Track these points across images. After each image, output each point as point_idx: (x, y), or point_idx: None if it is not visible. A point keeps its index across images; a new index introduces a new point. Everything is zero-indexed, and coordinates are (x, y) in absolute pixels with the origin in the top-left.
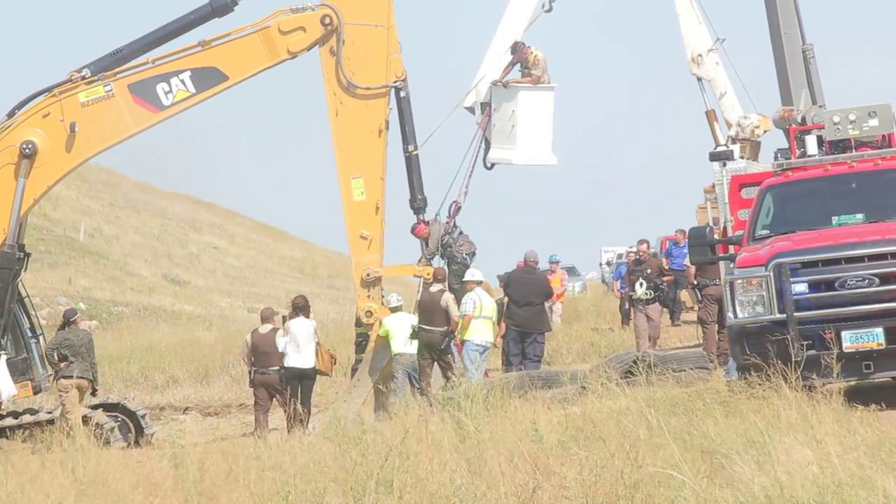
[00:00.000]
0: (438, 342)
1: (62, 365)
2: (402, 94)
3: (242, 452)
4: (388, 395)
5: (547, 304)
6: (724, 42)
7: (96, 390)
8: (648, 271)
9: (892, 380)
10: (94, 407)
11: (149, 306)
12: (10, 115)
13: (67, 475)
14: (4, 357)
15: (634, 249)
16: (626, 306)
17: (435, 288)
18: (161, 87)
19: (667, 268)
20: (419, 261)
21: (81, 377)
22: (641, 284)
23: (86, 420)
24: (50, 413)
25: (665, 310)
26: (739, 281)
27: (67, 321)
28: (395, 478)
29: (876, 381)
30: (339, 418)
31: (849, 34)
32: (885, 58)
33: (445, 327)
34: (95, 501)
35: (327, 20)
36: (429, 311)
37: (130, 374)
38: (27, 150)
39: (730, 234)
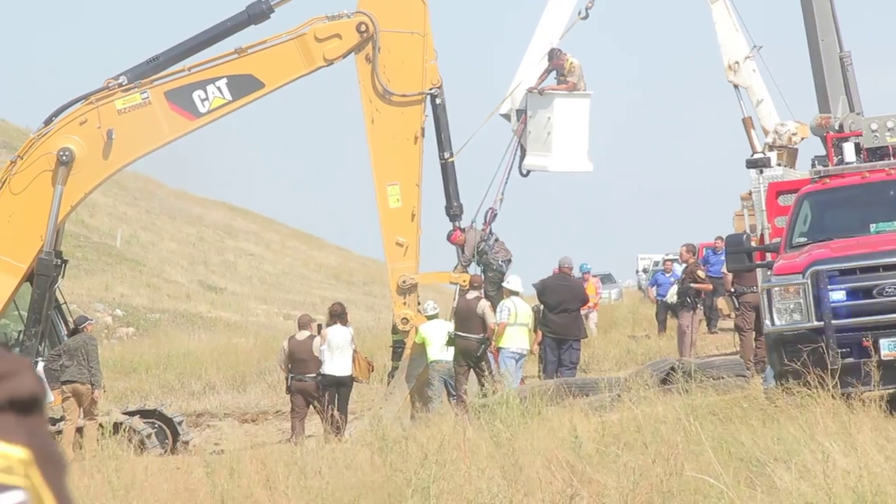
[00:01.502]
0: (475, 349)
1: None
2: (438, 101)
3: (280, 459)
4: (425, 402)
5: (583, 312)
6: (760, 49)
7: (95, 398)
8: (682, 277)
9: None
10: (131, 413)
11: (185, 313)
12: (48, 122)
13: (104, 482)
14: (42, 363)
15: (671, 257)
16: (663, 314)
17: (471, 295)
18: (197, 95)
19: (701, 275)
20: (455, 268)
21: (73, 381)
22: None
23: (117, 427)
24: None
25: (703, 317)
26: (777, 288)
27: (76, 328)
28: (431, 485)
29: None
30: (375, 425)
31: (886, 42)
32: None
33: (482, 334)
34: (145, 501)
35: (363, 27)
36: (465, 318)
37: (167, 380)
38: (64, 158)
39: (767, 241)
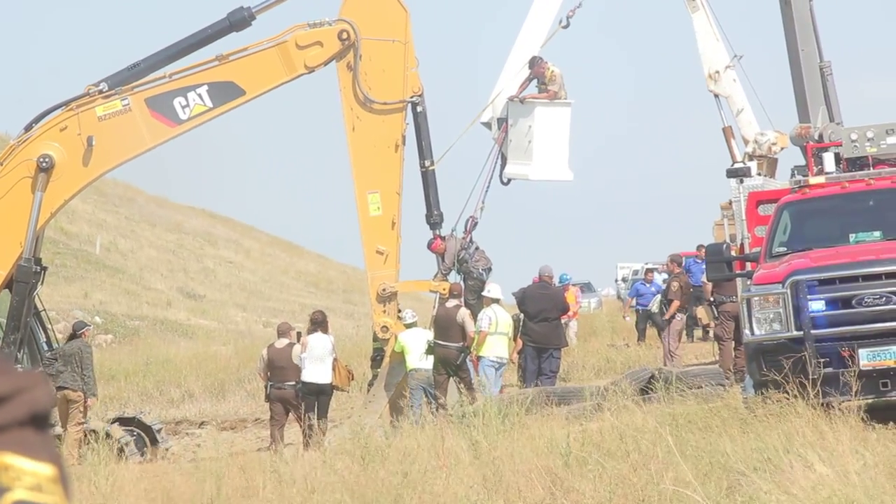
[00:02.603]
0: (454, 358)
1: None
2: (419, 109)
3: (259, 467)
4: (404, 410)
5: (563, 321)
6: (741, 59)
7: (87, 404)
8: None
9: None
10: (111, 421)
11: (164, 320)
12: (28, 128)
13: (90, 488)
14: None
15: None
16: (642, 323)
17: (451, 303)
18: (178, 102)
19: (673, 287)
20: (435, 276)
21: (65, 387)
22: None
23: (96, 434)
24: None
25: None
26: (756, 298)
27: (74, 333)
28: (410, 493)
29: (894, 399)
30: (355, 434)
31: (866, 52)
32: None
33: (461, 343)
34: None
35: (344, 35)
36: (445, 326)
37: (146, 388)
38: (44, 164)
39: (747, 250)
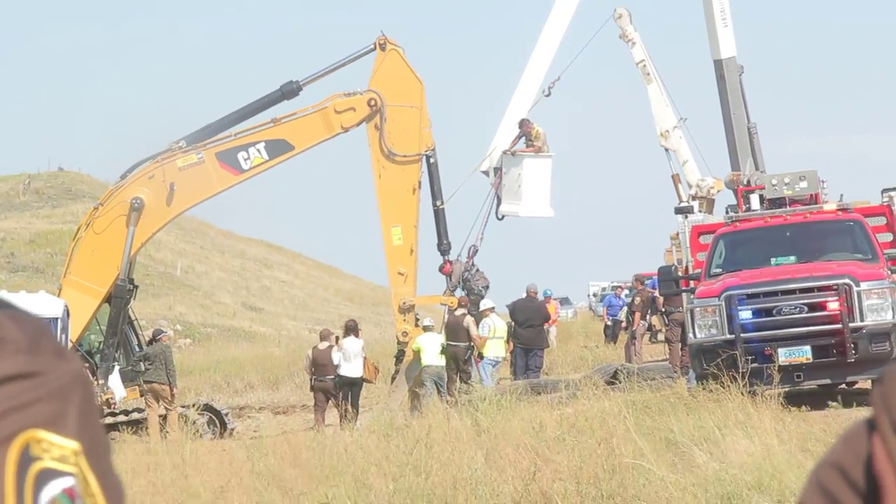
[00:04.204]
0: (462, 354)
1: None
2: (432, 160)
3: (304, 443)
4: (420, 398)
5: (546, 327)
6: (686, 121)
7: (174, 393)
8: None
9: (818, 387)
10: (188, 407)
11: (231, 328)
12: (123, 176)
13: (176, 458)
14: (118, 367)
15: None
16: (611, 329)
17: (459, 312)
18: (241, 155)
19: (636, 302)
20: (444, 292)
21: (154, 382)
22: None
23: (182, 418)
24: (142, 412)
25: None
26: (698, 309)
27: (154, 338)
28: (423, 462)
29: (805, 388)
30: (381, 416)
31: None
32: (814, 133)
33: (467, 342)
34: (201, 474)
35: (373, 102)
36: (454, 330)
37: (216, 381)
38: (136, 205)
39: (691, 271)
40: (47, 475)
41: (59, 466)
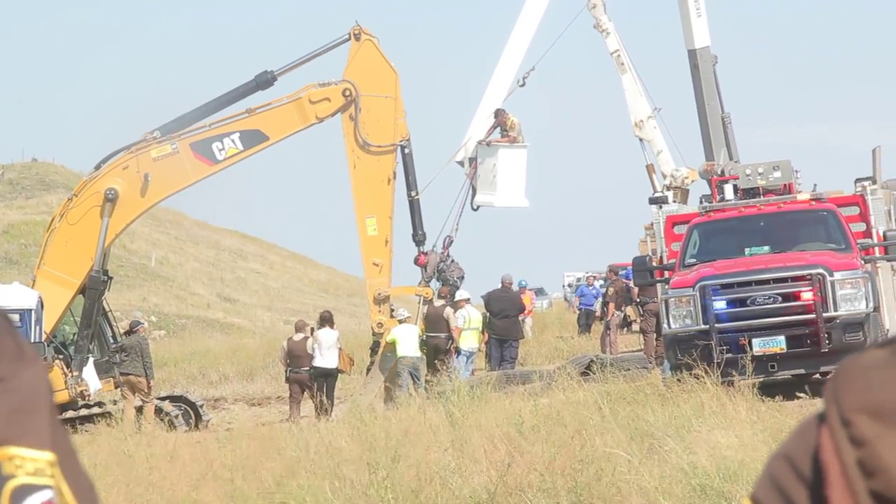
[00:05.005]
0: (443, 345)
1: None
2: (406, 150)
3: (279, 435)
4: (395, 389)
5: (521, 318)
6: (660, 111)
7: (150, 385)
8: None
9: (792, 377)
10: (163, 398)
11: (206, 319)
12: (97, 167)
13: (145, 450)
14: (92, 359)
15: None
16: (584, 319)
17: (438, 303)
18: (216, 146)
19: (609, 293)
20: (419, 283)
21: (130, 374)
22: None
23: (157, 410)
24: (116, 404)
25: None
26: (672, 299)
27: (131, 329)
28: (396, 454)
29: (779, 377)
30: (356, 408)
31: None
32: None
33: (447, 333)
34: (175, 466)
35: (347, 92)
36: (434, 321)
37: (191, 372)
38: (110, 195)
39: (665, 261)
40: (24, 492)
41: (35, 481)
